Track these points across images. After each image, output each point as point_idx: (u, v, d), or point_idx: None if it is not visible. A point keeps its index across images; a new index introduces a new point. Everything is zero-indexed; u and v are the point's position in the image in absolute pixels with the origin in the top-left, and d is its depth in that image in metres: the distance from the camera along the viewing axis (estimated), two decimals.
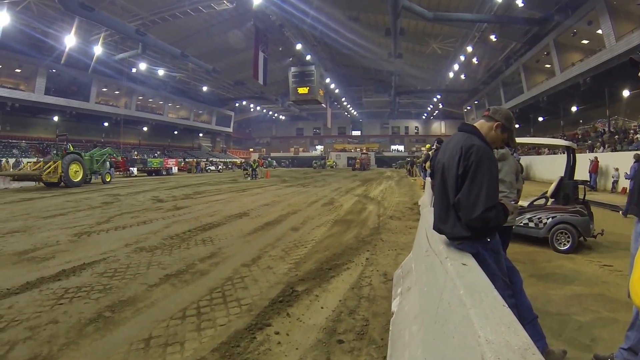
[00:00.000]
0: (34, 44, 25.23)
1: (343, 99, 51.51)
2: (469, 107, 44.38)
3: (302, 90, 33.12)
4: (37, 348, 2.55)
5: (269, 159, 54.31)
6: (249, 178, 24.21)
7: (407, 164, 34.86)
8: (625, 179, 13.26)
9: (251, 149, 64.77)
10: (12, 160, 24.12)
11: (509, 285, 2.26)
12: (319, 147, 64.35)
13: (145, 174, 30.00)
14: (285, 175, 28.99)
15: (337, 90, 45.64)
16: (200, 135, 54.32)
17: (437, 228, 2.23)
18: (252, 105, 55.85)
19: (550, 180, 9.96)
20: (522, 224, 5.67)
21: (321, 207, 10.07)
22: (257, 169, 24.82)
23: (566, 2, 18.76)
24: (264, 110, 59.47)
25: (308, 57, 32.81)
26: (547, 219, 5.48)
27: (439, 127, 60.03)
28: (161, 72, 33.88)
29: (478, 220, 1.93)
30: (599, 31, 17.54)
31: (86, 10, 19.68)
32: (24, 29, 22.72)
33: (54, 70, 28.81)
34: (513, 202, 2.73)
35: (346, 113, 59.91)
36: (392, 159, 52.54)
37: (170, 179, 25.73)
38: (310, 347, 2.63)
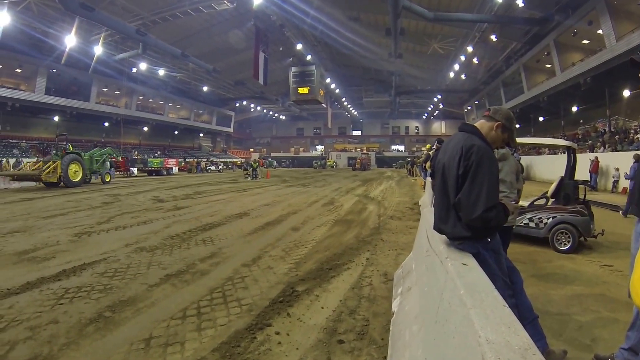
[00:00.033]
0: (34, 44, 25.24)
1: (343, 99, 51.53)
2: (469, 107, 44.37)
3: (303, 90, 33.14)
4: (37, 348, 2.55)
5: (270, 159, 54.31)
6: (249, 178, 24.22)
7: (407, 164, 34.85)
8: (625, 179, 13.26)
9: (251, 149, 64.77)
10: (12, 160, 24.13)
11: (509, 285, 2.26)
12: (320, 147, 64.36)
13: (146, 174, 30.01)
14: (286, 175, 28.99)
15: (337, 90, 45.66)
16: (201, 135, 54.34)
17: (438, 228, 2.22)
18: (252, 105, 55.87)
19: (551, 180, 9.97)
20: (522, 224, 5.67)
21: (321, 207, 10.07)
22: (257, 169, 24.83)
23: (566, 2, 18.76)
24: (265, 110, 59.49)
25: (308, 57, 32.83)
26: (548, 219, 5.48)
27: (440, 127, 60.02)
28: (161, 72, 33.91)
29: (478, 220, 1.93)
30: (600, 31, 17.54)
31: (86, 10, 19.68)
32: (24, 29, 22.74)
33: (54, 70, 28.82)
34: (513, 202, 2.72)
35: (346, 113, 59.94)
36: (393, 159, 52.50)
37: (171, 179, 25.74)
38: (311, 347, 2.63)
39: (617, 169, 14.31)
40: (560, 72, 22.05)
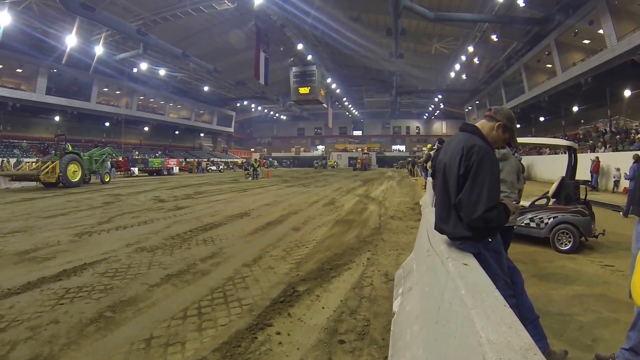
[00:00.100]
0: (35, 44, 25.27)
1: (344, 99, 51.53)
2: (470, 107, 44.33)
3: (304, 90, 33.13)
4: (38, 348, 2.55)
5: (270, 159, 54.28)
6: (250, 178, 24.21)
7: (408, 164, 34.84)
8: (625, 179, 13.24)
9: (252, 149, 64.76)
10: (13, 160, 24.16)
11: (510, 286, 2.26)
12: (320, 147, 64.34)
13: (147, 174, 30.02)
14: (287, 175, 29.00)
15: (338, 90, 45.66)
16: (202, 135, 54.38)
17: (439, 228, 2.22)
18: (253, 105, 55.90)
19: (552, 180, 9.95)
20: (523, 224, 5.66)
21: (322, 207, 10.07)
22: (258, 169, 24.83)
23: (567, 1, 18.74)
24: (265, 110, 59.52)
25: (309, 57, 32.84)
26: (549, 219, 5.48)
27: (440, 127, 59.98)
28: (162, 72, 33.96)
29: (479, 220, 1.92)
30: (601, 31, 17.52)
31: (87, 10, 19.70)
32: (25, 29, 22.76)
33: (55, 70, 28.86)
34: (514, 202, 2.72)
35: (347, 113, 59.94)
36: (394, 159, 52.48)
37: (172, 179, 25.75)
38: (312, 347, 2.63)
39: (618, 169, 14.30)
40: (561, 72, 22.03)
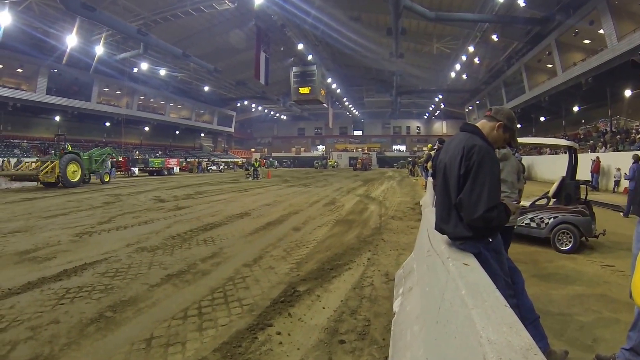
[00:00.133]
0: (35, 44, 25.28)
1: (345, 99, 51.53)
2: (470, 107, 44.33)
3: (304, 90, 33.13)
4: (38, 348, 2.55)
5: (271, 159, 54.28)
6: (250, 178, 24.21)
7: (408, 164, 34.84)
8: (625, 179, 13.23)
9: (253, 149, 64.77)
10: (13, 160, 24.16)
11: (510, 286, 2.26)
12: (321, 147, 64.38)
13: (147, 174, 30.01)
14: (287, 175, 29.00)
15: (338, 90, 45.66)
16: (202, 135, 54.39)
17: (439, 228, 2.22)
18: (253, 105, 55.93)
19: (552, 180, 9.95)
20: (523, 224, 5.66)
21: (323, 207, 10.07)
22: (258, 169, 24.83)
23: (568, 1, 18.73)
24: (266, 110, 59.54)
25: (309, 57, 32.85)
26: (549, 219, 5.47)
27: (441, 127, 59.98)
28: (163, 72, 33.98)
29: (480, 220, 1.92)
30: (601, 31, 17.51)
31: (88, 10, 19.71)
32: (25, 29, 22.75)
33: (55, 70, 28.88)
34: (515, 202, 2.72)
35: (348, 113, 59.94)
36: (394, 159, 52.49)
37: (172, 179, 25.76)
38: (312, 347, 2.63)
39: (619, 169, 14.29)
40: (561, 71, 22.03)
